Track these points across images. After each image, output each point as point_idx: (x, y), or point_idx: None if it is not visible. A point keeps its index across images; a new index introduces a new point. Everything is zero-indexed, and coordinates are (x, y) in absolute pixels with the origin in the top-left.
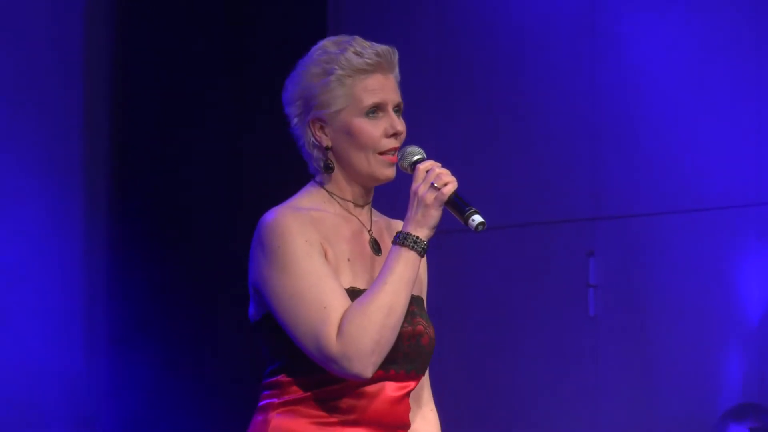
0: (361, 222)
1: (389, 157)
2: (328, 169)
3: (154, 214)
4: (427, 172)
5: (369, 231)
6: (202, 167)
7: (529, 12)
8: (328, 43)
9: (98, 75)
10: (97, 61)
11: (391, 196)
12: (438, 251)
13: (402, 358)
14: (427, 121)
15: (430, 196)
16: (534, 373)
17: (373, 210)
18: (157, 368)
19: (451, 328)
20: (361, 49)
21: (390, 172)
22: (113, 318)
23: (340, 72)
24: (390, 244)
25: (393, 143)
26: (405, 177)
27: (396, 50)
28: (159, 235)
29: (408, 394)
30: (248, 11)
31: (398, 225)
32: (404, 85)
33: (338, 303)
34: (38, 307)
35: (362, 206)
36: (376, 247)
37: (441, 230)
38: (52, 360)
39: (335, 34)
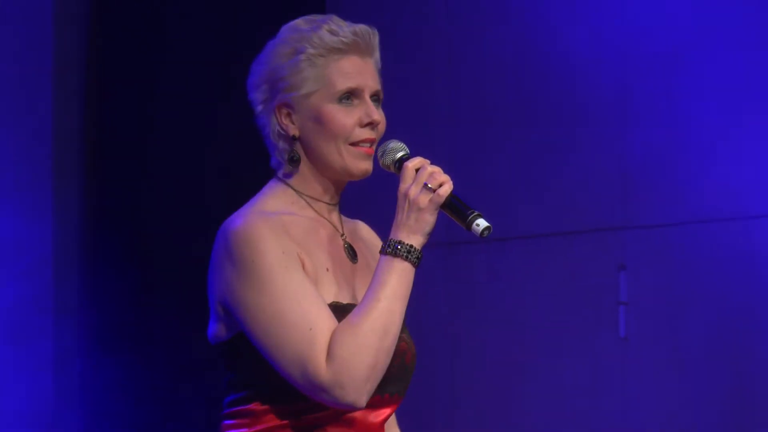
0: (333, 225)
1: (364, 149)
2: (293, 161)
3: (127, 217)
4: (416, 170)
5: (342, 235)
6: (181, 169)
7: (551, 4)
8: (300, 21)
9: (69, 74)
10: (68, 59)
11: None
12: (450, 264)
13: (388, 380)
14: (437, 120)
15: (424, 199)
16: (559, 399)
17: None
18: (129, 379)
19: (466, 350)
20: (336, 28)
21: (366, 165)
22: (83, 326)
23: (311, 51)
24: (363, 250)
25: (368, 134)
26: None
27: (376, 32)
28: (132, 240)
29: (387, 418)
30: (237, 7)
31: (362, 227)
32: (411, 84)
33: (325, 323)
34: (3, 314)
35: (332, 206)
36: (351, 253)
37: (454, 241)
38: (19, 370)
39: None
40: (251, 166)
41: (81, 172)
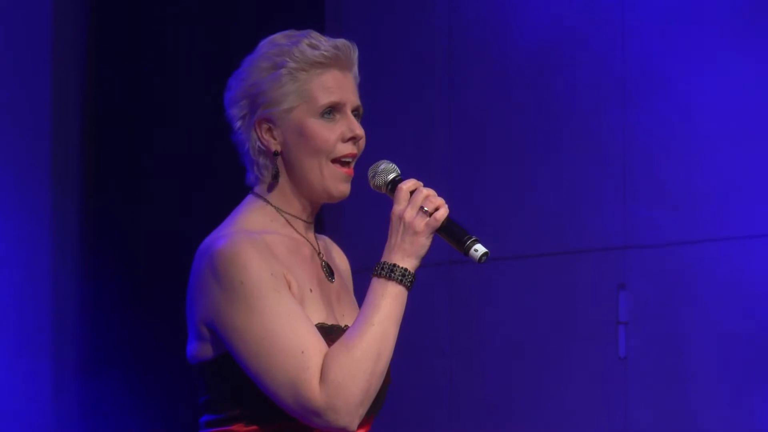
0: (311, 243)
1: (346, 170)
2: (275, 177)
3: (126, 220)
4: (411, 193)
5: (319, 254)
6: (181, 172)
7: (554, 18)
8: (278, 36)
9: (68, 72)
10: (68, 60)
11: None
12: (451, 284)
13: (373, 402)
14: (436, 135)
15: (420, 222)
16: (558, 420)
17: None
18: (128, 385)
19: (466, 370)
20: (316, 42)
21: (345, 188)
22: (83, 330)
23: (292, 65)
24: (338, 268)
25: (350, 149)
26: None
27: (356, 46)
28: (131, 244)
29: None
30: (238, 9)
31: (331, 244)
32: (410, 101)
33: (316, 346)
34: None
35: (309, 223)
36: (328, 271)
37: (453, 260)
38: (17, 374)
39: (335, 34)
40: None
41: (80, 176)
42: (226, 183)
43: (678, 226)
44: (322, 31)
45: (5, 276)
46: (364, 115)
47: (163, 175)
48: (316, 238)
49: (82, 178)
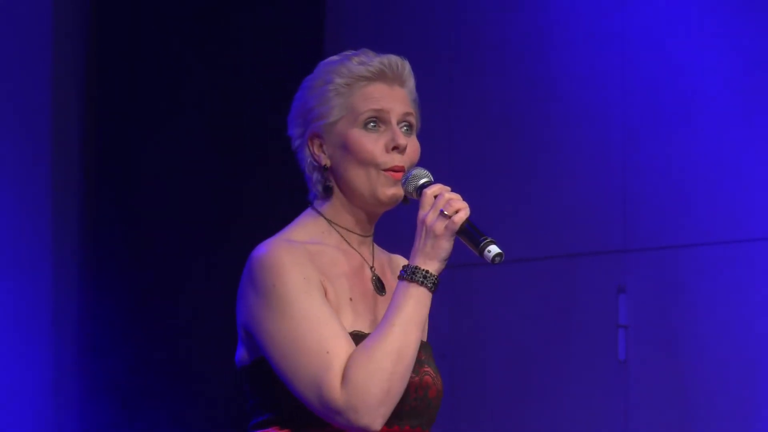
0: (362, 257)
1: (393, 174)
2: (327, 190)
3: (127, 223)
4: (435, 197)
5: (371, 267)
6: (185, 176)
7: (554, 17)
8: (333, 56)
9: (68, 71)
10: (68, 56)
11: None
12: (451, 287)
13: (408, 413)
14: (437, 138)
15: (440, 226)
16: (558, 423)
17: (374, 244)
18: (128, 385)
19: (466, 373)
20: (365, 59)
21: (396, 191)
22: (84, 330)
23: (338, 80)
24: (393, 283)
25: (396, 159)
26: (407, 206)
27: (408, 63)
28: (135, 239)
29: None
30: (239, 13)
31: (400, 261)
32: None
33: (342, 348)
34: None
35: (364, 237)
36: (379, 285)
37: (454, 264)
38: (17, 374)
39: (334, 35)
40: (252, 172)
41: (80, 176)
42: (226, 183)
43: (678, 229)
44: (323, 31)
45: (5, 276)
46: None
47: (163, 175)
48: (373, 253)
49: (82, 178)
